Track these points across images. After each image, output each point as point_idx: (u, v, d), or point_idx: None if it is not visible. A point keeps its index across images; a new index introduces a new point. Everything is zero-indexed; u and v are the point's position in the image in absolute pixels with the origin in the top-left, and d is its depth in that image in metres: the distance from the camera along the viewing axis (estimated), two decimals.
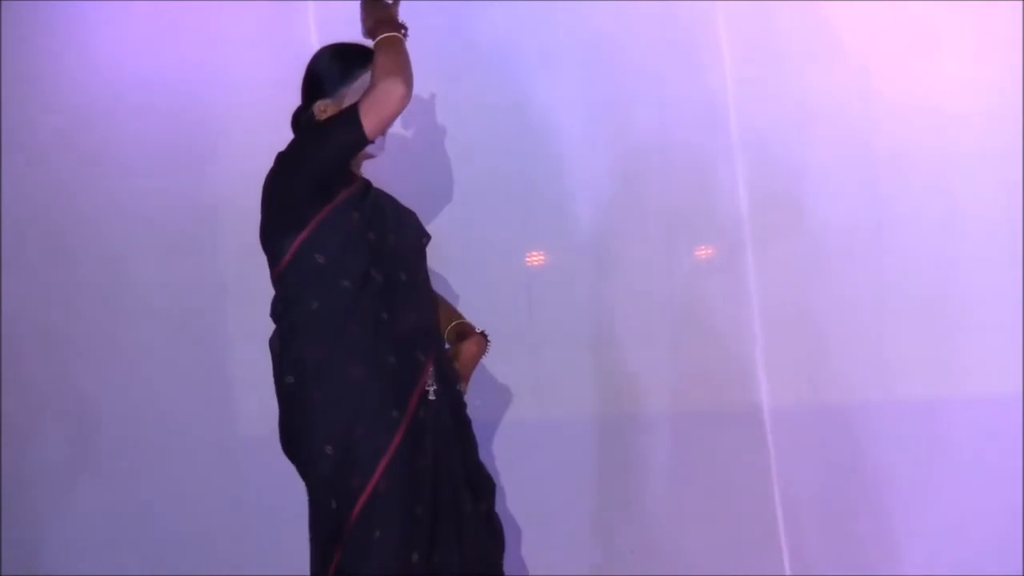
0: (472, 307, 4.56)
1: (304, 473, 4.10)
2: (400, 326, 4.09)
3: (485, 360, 4.36)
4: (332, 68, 4.18)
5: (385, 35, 4.07)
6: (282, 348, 4.11)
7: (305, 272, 4.07)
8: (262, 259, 5.17)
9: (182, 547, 5.34)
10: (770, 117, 5.06)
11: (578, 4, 5.15)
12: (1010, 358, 4.86)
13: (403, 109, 3.98)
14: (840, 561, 5.06)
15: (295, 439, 4.09)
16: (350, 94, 4.14)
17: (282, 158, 4.12)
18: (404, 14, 4.19)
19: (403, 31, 4.12)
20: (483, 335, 4.35)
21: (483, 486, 4.27)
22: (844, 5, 4.99)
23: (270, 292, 5.32)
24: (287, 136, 5.29)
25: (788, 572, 5.11)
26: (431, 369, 4.13)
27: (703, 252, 5.17)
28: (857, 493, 5.05)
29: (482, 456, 4.38)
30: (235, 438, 5.35)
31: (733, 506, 5.14)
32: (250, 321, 5.32)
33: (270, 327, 5.32)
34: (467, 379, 4.30)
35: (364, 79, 4.12)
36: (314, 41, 5.31)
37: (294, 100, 5.30)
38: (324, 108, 4.16)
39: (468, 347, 4.30)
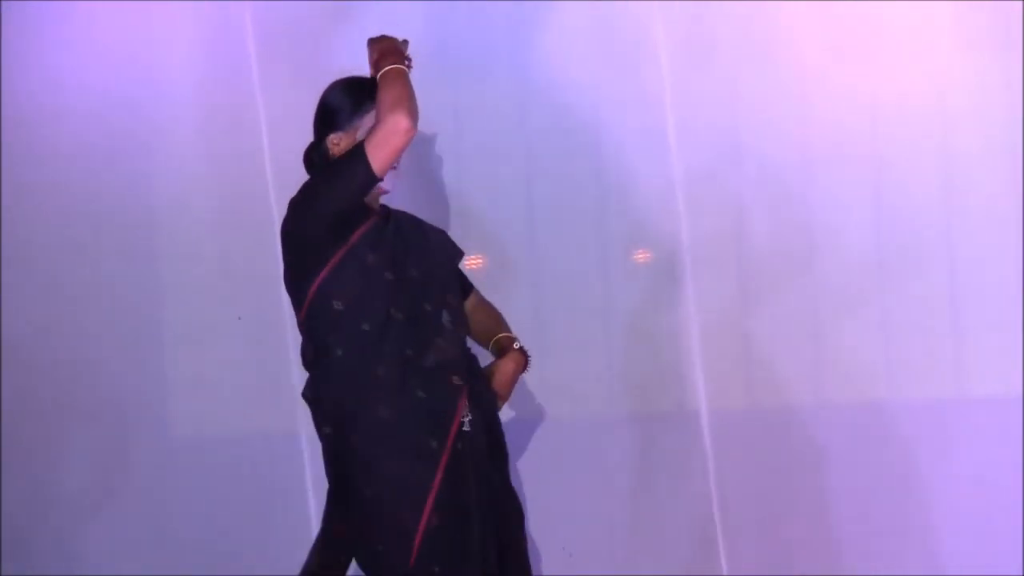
0: None
1: (351, 518, 4.08)
2: (428, 359, 4.07)
3: None
4: (344, 101, 4.14)
5: (389, 68, 4.04)
6: (314, 398, 4.12)
7: (326, 319, 4.05)
8: (200, 260, 5.20)
9: (128, 544, 5.32)
10: (707, 119, 5.08)
11: (514, 4, 5.15)
12: (948, 359, 4.90)
13: (409, 142, 3.96)
14: (777, 563, 5.08)
15: (341, 487, 4.10)
16: (363, 126, 4.10)
17: (295, 204, 4.09)
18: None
19: (407, 63, 4.10)
20: (522, 351, 4.32)
21: (510, 514, 4.25)
22: (780, 5, 5.01)
23: (207, 293, 5.35)
24: (224, 140, 5.33)
25: (725, 573, 5.13)
26: (465, 400, 4.10)
27: (640, 256, 5.18)
28: (793, 495, 5.07)
29: None
30: (168, 439, 5.33)
31: (671, 508, 5.15)
32: (186, 323, 5.34)
33: (206, 328, 5.35)
34: (504, 398, 4.27)
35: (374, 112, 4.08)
36: (250, 43, 5.30)
37: (230, 101, 5.31)
38: (337, 141, 4.12)
39: (504, 365, 4.27)
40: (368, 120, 4.08)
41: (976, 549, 4.89)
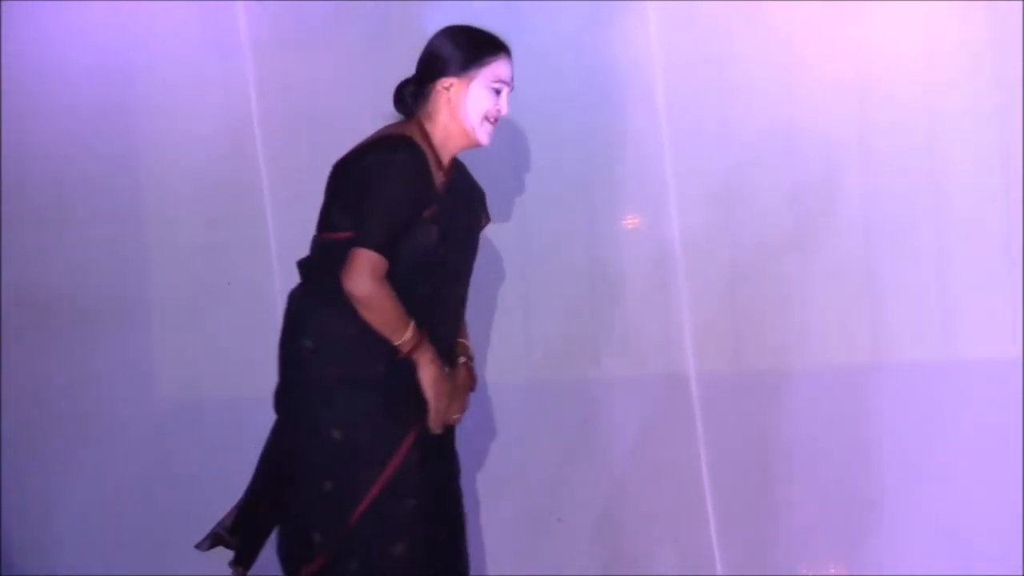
0: None
1: (294, 445, 4.11)
2: (432, 332, 4.11)
3: None
4: (458, 50, 4.13)
5: (411, 334, 4.05)
6: (307, 309, 4.12)
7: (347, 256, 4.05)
8: (188, 226, 5.20)
9: (108, 510, 5.32)
10: (697, 85, 5.08)
11: None
12: (935, 322, 4.90)
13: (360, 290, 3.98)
14: (765, 526, 5.09)
15: (295, 407, 4.12)
16: (480, 75, 4.11)
17: (372, 171, 4.05)
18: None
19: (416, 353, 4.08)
20: (467, 365, 4.32)
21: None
22: None
23: (195, 259, 5.34)
24: (213, 107, 5.33)
25: (714, 536, 5.15)
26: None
27: (629, 222, 5.18)
28: (782, 459, 5.08)
29: None
30: (154, 404, 5.33)
31: (659, 472, 5.16)
32: (174, 288, 5.34)
33: (195, 294, 5.34)
34: (457, 409, 4.25)
35: (495, 66, 4.11)
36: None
37: (220, 69, 5.30)
38: (448, 85, 4.12)
39: (457, 375, 4.27)
40: (484, 72, 4.09)
41: (964, 510, 4.90)
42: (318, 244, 4.15)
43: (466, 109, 4.10)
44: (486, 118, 4.12)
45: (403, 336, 4.02)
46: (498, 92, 4.12)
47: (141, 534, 5.35)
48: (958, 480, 4.90)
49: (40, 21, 5.32)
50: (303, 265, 4.18)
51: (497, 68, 4.12)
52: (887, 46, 4.91)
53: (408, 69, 5.21)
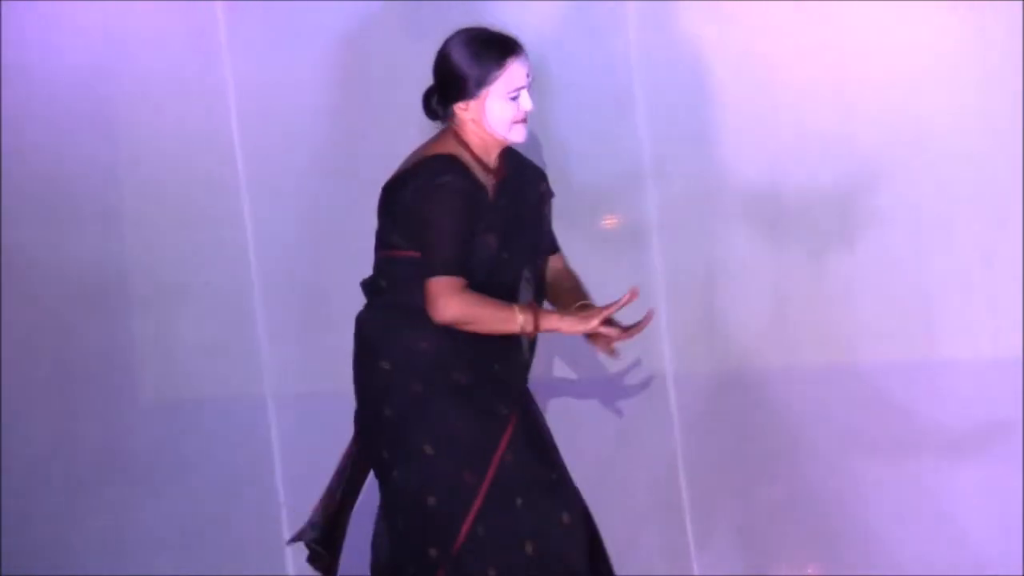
0: None
1: (388, 467, 4.13)
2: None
3: None
4: (471, 70, 4.11)
5: (523, 315, 4.06)
6: (379, 330, 4.15)
7: (420, 273, 4.08)
8: (167, 225, 5.21)
9: (87, 507, 5.32)
10: (673, 82, 5.09)
11: None
12: (915, 321, 4.91)
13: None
14: (742, 524, 5.10)
15: (382, 429, 4.14)
16: (491, 93, 4.10)
17: (425, 196, 4.08)
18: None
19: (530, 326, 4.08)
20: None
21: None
22: None
23: (175, 258, 5.34)
24: (192, 105, 5.33)
25: (691, 535, 5.15)
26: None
27: (608, 221, 5.20)
28: (759, 459, 5.09)
29: None
30: (137, 404, 5.33)
31: (637, 471, 5.17)
32: (154, 288, 5.34)
33: (174, 294, 5.35)
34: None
35: (506, 75, 4.09)
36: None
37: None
38: (465, 107, 4.13)
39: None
40: (496, 87, 4.09)
41: (943, 506, 4.91)
42: (381, 262, 4.18)
43: (490, 122, 4.12)
44: (513, 122, 4.13)
45: (517, 324, 4.05)
46: (515, 98, 4.12)
47: (115, 533, 5.35)
48: (953, 480, 4.90)
49: (17, 20, 5.32)
50: (368, 285, 4.21)
51: (509, 77, 4.11)
52: (865, 46, 4.91)
53: (384, 69, 5.26)
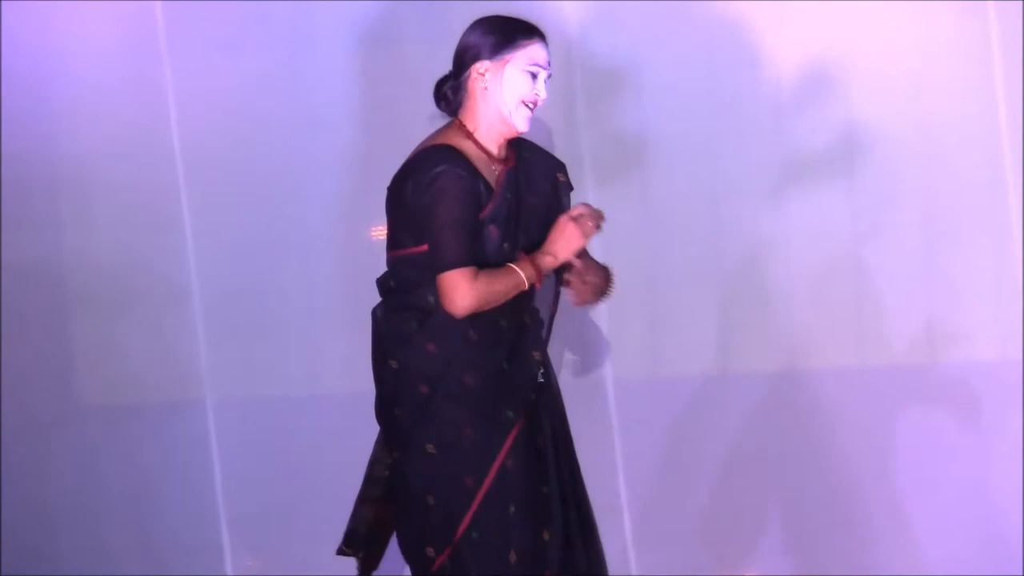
0: None
1: (394, 461, 4.13)
2: (515, 328, 4.11)
3: None
4: (489, 36, 4.08)
5: (524, 272, 4.06)
6: (389, 329, 4.12)
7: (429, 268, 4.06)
8: (106, 229, 5.18)
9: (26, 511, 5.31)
10: (613, 85, 5.11)
11: None
12: (852, 327, 4.96)
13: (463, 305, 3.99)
14: (680, 528, 5.14)
15: (392, 424, 4.13)
16: (513, 59, 4.06)
17: (426, 190, 4.04)
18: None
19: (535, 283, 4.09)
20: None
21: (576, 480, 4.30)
22: None
23: (113, 263, 5.33)
24: (131, 109, 5.32)
25: (629, 539, 5.18)
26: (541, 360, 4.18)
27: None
28: (698, 465, 5.12)
29: None
30: (76, 408, 5.31)
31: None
32: (92, 293, 5.33)
33: (113, 299, 5.34)
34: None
35: (529, 49, 4.07)
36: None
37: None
38: (483, 70, 4.08)
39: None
40: (519, 55, 4.06)
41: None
42: (391, 262, 4.15)
43: (503, 93, 4.07)
44: (523, 102, 4.08)
45: (524, 281, 4.04)
46: (534, 76, 4.08)
47: (51, 538, 5.34)
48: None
49: None
50: (381, 283, 4.18)
51: (532, 51, 4.08)
52: (808, 47, 4.95)
53: (328, 70, 5.26)
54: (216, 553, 5.36)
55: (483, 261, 4.03)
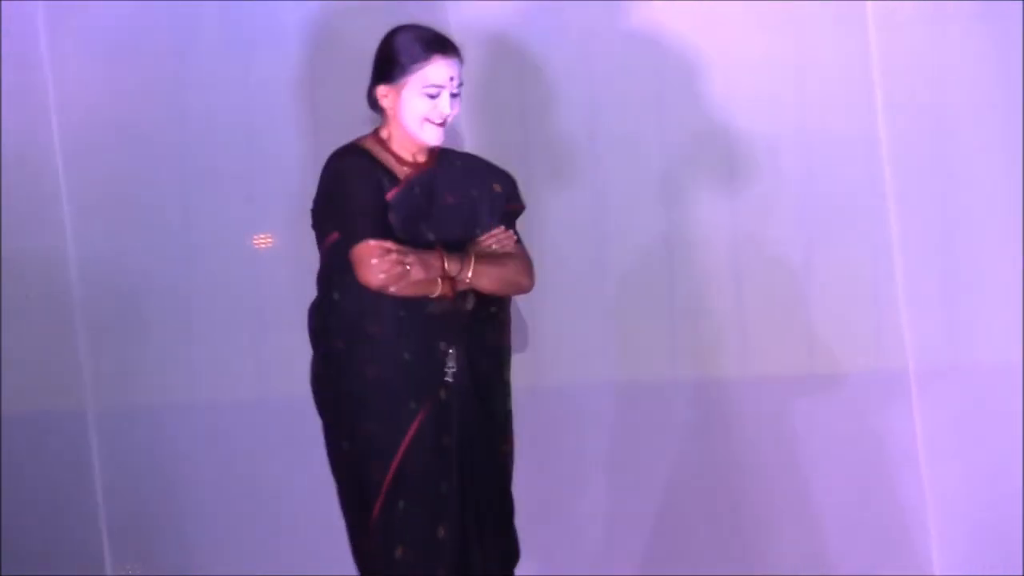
0: None
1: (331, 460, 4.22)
2: (418, 320, 4.11)
3: None
4: (398, 56, 4.12)
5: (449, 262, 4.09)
6: (318, 329, 4.19)
7: (336, 263, 4.10)
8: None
9: None
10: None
11: None
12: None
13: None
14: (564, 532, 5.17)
15: (323, 419, 4.22)
16: (408, 84, 4.09)
17: (328, 181, 4.14)
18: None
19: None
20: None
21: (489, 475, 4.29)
22: None
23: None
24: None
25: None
26: (452, 353, 4.16)
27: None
28: (594, 471, 5.18)
29: None
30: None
31: None
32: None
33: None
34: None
35: (426, 71, 4.10)
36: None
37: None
38: (385, 94, 4.14)
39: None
40: (414, 79, 4.11)
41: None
42: (321, 254, 4.20)
43: (404, 115, 4.13)
44: (427, 120, 4.12)
45: (440, 267, 4.07)
46: (434, 96, 4.13)
47: None
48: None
49: None
50: (318, 281, 4.21)
51: (428, 73, 4.11)
52: (686, 54, 5.00)
53: (210, 75, 5.24)
54: (97, 563, 5.33)
55: (404, 236, 4.07)
